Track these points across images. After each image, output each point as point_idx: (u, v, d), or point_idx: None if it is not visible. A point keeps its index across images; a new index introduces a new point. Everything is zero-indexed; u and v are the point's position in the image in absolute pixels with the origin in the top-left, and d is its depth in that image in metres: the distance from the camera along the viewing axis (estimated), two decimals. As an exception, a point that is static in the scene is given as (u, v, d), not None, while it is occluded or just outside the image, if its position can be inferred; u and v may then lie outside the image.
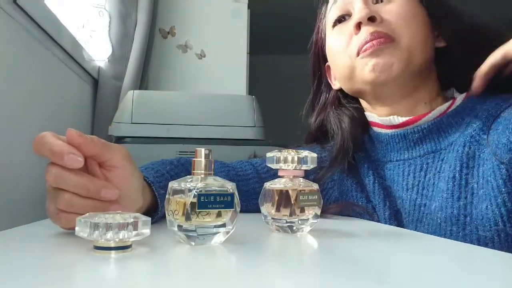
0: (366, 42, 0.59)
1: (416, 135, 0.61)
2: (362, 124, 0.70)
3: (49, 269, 0.28)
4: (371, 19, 0.60)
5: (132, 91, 1.18)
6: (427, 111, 0.61)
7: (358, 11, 0.62)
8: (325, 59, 0.73)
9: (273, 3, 2.71)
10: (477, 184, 0.53)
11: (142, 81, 1.54)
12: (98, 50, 1.40)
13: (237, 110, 1.16)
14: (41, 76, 0.94)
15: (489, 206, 0.51)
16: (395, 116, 0.63)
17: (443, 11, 0.63)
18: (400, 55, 0.58)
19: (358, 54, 0.61)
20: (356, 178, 0.69)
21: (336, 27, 0.66)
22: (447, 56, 0.63)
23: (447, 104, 0.60)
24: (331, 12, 0.68)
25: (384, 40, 0.58)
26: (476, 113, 0.57)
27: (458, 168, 0.55)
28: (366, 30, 0.60)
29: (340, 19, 0.66)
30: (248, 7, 1.84)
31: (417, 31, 0.60)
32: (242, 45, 1.81)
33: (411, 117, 0.62)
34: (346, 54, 0.63)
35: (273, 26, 3.05)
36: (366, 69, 0.60)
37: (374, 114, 0.67)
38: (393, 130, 0.64)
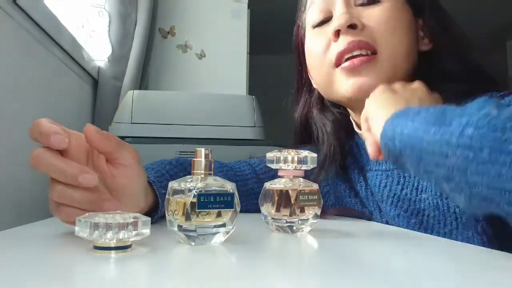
0: (345, 51, 0.56)
1: None
2: (346, 128, 0.67)
3: (49, 269, 0.28)
4: (351, 26, 0.56)
5: (132, 91, 1.18)
6: None
7: (337, 18, 0.58)
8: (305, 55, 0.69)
9: (273, 3, 2.71)
10: (459, 209, 0.51)
11: (142, 81, 1.54)
12: (98, 50, 1.40)
13: (237, 110, 1.16)
14: (41, 76, 0.94)
15: (475, 234, 0.49)
16: None
17: (432, 11, 0.59)
18: (382, 72, 0.55)
19: (337, 65, 0.58)
20: (349, 183, 0.67)
21: (316, 28, 0.62)
22: (431, 60, 0.59)
23: None
24: (311, 11, 0.63)
25: (366, 59, 0.55)
26: None
27: (438, 193, 0.53)
28: (345, 39, 0.56)
29: (322, 21, 0.61)
30: (248, 7, 1.84)
31: (401, 39, 0.56)
32: (242, 45, 1.81)
33: None
34: (325, 62, 0.60)
35: (273, 26, 3.05)
36: (345, 86, 0.57)
37: (354, 122, 0.65)
38: None
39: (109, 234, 0.31)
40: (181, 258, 0.33)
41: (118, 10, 1.47)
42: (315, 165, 0.47)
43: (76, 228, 0.32)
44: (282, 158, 0.46)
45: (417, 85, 0.50)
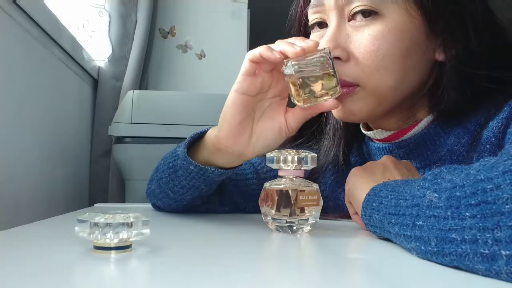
0: None
1: (402, 150, 0.57)
2: (355, 126, 0.64)
3: (49, 269, 0.28)
4: (335, 58, 0.50)
5: (132, 91, 1.18)
6: (416, 122, 0.56)
7: (324, 42, 0.52)
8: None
9: (273, 3, 2.71)
10: None
11: (142, 81, 1.54)
12: (98, 50, 1.40)
13: (237, 110, 1.15)
14: (41, 76, 0.94)
15: None
16: (379, 131, 0.58)
17: (449, 23, 0.51)
18: (364, 104, 0.52)
19: None
20: None
21: (314, 32, 0.57)
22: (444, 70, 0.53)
23: (435, 113, 0.55)
24: (309, 11, 0.57)
25: (346, 92, 0.51)
26: (466, 123, 0.52)
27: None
28: None
29: (317, 23, 0.56)
30: (248, 7, 1.84)
31: (391, 71, 0.50)
32: (242, 45, 1.81)
33: (395, 132, 0.57)
34: None
35: (273, 26, 3.05)
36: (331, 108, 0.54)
37: (363, 123, 0.62)
38: (380, 142, 0.60)
39: (109, 234, 0.31)
40: (181, 258, 0.34)
41: (118, 10, 1.47)
42: (315, 165, 0.47)
43: (76, 228, 0.32)
44: (282, 158, 0.46)
45: (384, 160, 0.50)
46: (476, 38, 0.51)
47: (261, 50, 0.46)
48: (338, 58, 0.51)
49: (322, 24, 0.56)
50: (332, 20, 0.53)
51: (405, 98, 0.53)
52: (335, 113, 0.56)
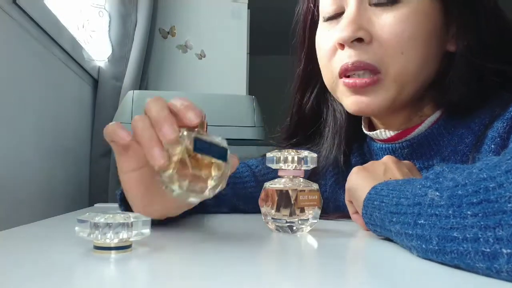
0: (348, 69, 0.52)
1: (406, 150, 0.57)
2: (357, 123, 0.64)
3: (49, 269, 0.28)
4: (357, 40, 0.51)
5: (132, 91, 1.18)
6: (420, 121, 0.56)
7: (341, 29, 0.52)
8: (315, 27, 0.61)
9: (273, 3, 2.71)
10: None
11: (142, 81, 1.54)
12: (98, 50, 1.40)
13: (237, 110, 1.16)
14: (41, 76, 0.94)
15: None
16: (383, 131, 0.58)
17: (464, 10, 0.52)
18: (385, 93, 0.52)
19: (340, 76, 0.54)
20: None
21: (327, 22, 0.57)
22: (454, 62, 0.53)
23: (439, 112, 0.55)
24: (323, 1, 0.58)
25: (369, 81, 0.51)
26: (470, 123, 0.53)
27: None
28: (349, 55, 0.52)
29: (333, 15, 0.56)
30: (248, 7, 1.84)
31: (414, 55, 0.51)
32: (242, 45, 1.81)
33: (399, 131, 0.57)
34: (330, 68, 0.56)
35: (273, 26, 3.05)
36: (346, 101, 0.55)
37: (365, 123, 0.63)
38: (382, 142, 0.60)
39: (109, 234, 0.31)
40: (181, 258, 0.34)
41: (118, 10, 1.47)
42: (315, 165, 0.47)
43: (76, 228, 0.32)
44: (282, 158, 0.46)
45: (385, 159, 0.50)
46: (487, 29, 0.51)
47: (107, 129, 0.41)
48: (361, 39, 0.51)
49: (337, 16, 0.55)
50: (351, 4, 0.53)
51: (420, 89, 0.54)
52: (350, 108, 0.55)
